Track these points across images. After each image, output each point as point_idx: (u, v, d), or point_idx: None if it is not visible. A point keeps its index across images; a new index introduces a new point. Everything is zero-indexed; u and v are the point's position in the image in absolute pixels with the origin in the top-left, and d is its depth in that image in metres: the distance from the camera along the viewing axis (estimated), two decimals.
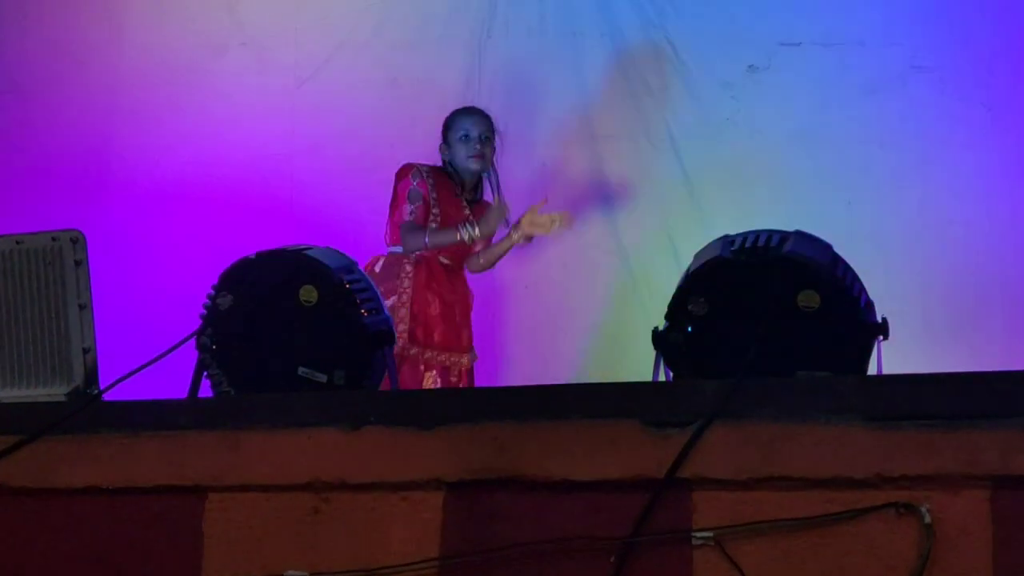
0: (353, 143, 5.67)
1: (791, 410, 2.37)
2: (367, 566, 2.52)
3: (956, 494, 2.27)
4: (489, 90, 5.57)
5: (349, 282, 3.01)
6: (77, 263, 2.93)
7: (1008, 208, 5.03)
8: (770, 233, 2.76)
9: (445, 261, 4.90)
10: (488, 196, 4.99)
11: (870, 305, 2.74)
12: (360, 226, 5.30)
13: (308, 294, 2.99)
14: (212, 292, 3.06)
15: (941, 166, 5.12)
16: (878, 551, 2.28)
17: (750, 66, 5.34)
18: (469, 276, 5.04)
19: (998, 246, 5.02)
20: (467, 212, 4.89)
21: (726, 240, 2.81)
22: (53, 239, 2.94)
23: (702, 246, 2.91)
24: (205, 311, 3.05)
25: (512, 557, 2.45)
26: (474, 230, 4.80)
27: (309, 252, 3.07)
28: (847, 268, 2.75)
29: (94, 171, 5.81)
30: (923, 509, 2.27)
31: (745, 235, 2.79)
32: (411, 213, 4.80)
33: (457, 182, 4.94)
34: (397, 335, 4.51)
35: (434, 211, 4.83)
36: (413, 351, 4.76)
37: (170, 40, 5.85)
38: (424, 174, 4.88)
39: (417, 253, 4.82)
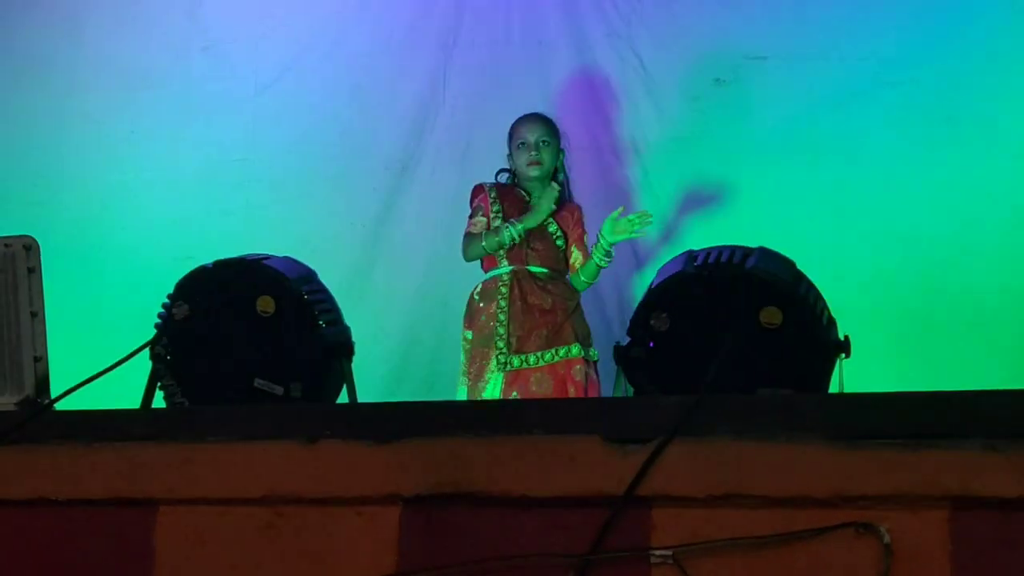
0: (314, 149, 5.66)
1: (752, 428, 2.38)
2: None
3: (915, 514, 2.28)
4: (454, 98, 5.58)
5: (307, 292, 3.01)
6: (30, 270, 2.91)
7: (973, 222, 5.07)
8: (733, 249, 2.78)
9: (536, 271, 4.84)
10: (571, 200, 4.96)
11: (832, 323, 2.75)
12: (319, 235, 5.28)
13: (265, 304, 2.98)
14: (167, 301, 3.05)
15: (906, 180, 5.15)
16: (837, 570, 2.29)
17: (716, 79, 5.37)
18: None
19: (963, 260, 5.05)
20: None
21: (689, 255, 2.83)
22: (6, 245, 2.92)
23: (666, 261, 2.92)
24: (160, 321, 3.04)
25: (470, 573, 2.45)
26: (518, 225, 4.75)
27: (267, 262, 3.07)
28: (810, 286, 2.77)
29: (48, 176, 5.77)
30: (882, 529, 2.28)
31: (708, 250, 2.80)
32: (473, 226, 4.81)
33: (523, 190, 4.93)
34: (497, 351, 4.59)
35: (495, 223, 4.81)
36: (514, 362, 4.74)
37: (130, 45, 5.83)
38: (487, 188, 4.89)
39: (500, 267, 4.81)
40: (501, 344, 4.70)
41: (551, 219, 4.82)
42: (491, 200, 4.86)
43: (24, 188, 5.75)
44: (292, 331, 2.97)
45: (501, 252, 4.78)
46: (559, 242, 4.85)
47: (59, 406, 2.90)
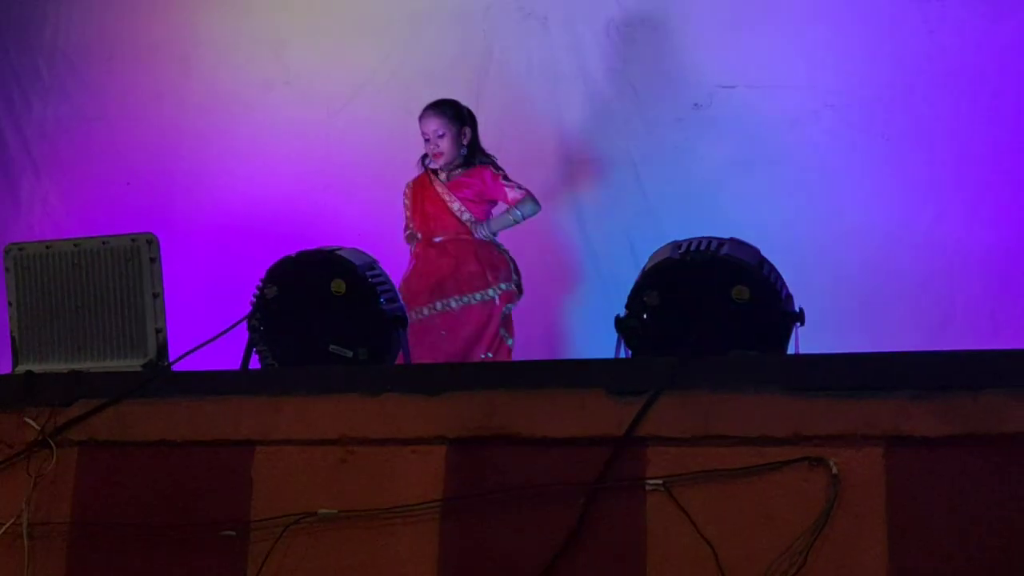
0: (375, 161, 5.65)
1: (726, 382, 2.37)
2: (384, 505, 2.52)
3: (857, 451, 2.27)
4: (485, 121, 5.56)
5: (371, 276, 3.01)
6: (151, 260, 2.92)
7: (901, 218, 5.03)
8: (710, 239, 2.76)
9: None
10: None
11: (790, 298, 2.74)
12: (378, 230, 5.28)
13: (338, 286, 2.98)
14: (260, 284, 3.05)
15: (848, 185, 5.12)
16: (795, 495, 2.28)
17: (695, 104, 5.33)
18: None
19: (893, 248, 5.02)
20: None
21: (675, 244, 2.81)
22: (132, 240, 2.93)
23: (656, 249, 2.90)
24: (254, 299, 3.05)
25: (500, 499, 2.45)
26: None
27: (339, 252, 3.07)
28: (772, 268, 2.75)
29: (166, 185, 5.79)
30: (831, 462, 2.27)
31: (690, 240, 2.78)
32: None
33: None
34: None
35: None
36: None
37: (227, 77, 5.83)
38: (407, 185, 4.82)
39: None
40: None
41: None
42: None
43: (145, 194, 5.76)
44: (359, 307, 2.97)
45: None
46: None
47: (176, 368, 2.91)
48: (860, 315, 4.93)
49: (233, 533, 2.60)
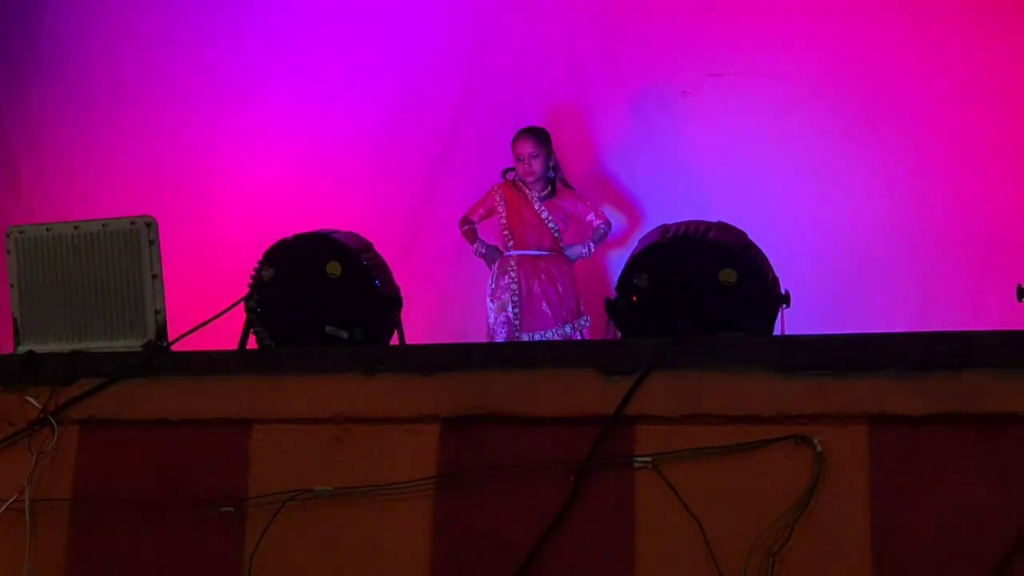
0: (371, 148, 5.64)
1: (713, 362, 2.38)
2: (378, 482, 2.52)
3: (841, 429, 2.27)
4: (480, 108, 5.55)
5: (366, 259, 3.00)
6: (151, 242, 2.91)
7: (885, 203, 5.03)
8: (698, 223, 2.76)
9: None
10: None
11: (776, 281, 2.74)
12: (371, 218, 5.26)
13: (334, 268, 2.97)
14: (257, 266, 3.04)
15: (833, 171, 5.12)
16: (780, 473, 2.29)
17: (684, 91, 5.33)
18: None
19: (877, 233, 5.02)
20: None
21: (664, 228, 2.81)
22: (132, 223, 2.92)
23: (645, 233, 2.90)
24: (252, 281, 3.04)
25: (493, 476, 2.45)
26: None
27: (335, 235, 3.06)
28: (758, 251, 2.75)
29: (168, 170, 5.78)
30: (815, 440, 2.28)
31: (679, 224, 2.78)
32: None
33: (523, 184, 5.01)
34: None
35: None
36: None
37: (225, 67, 5.81)
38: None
39: None
40: None
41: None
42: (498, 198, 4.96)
43: (150, 179, 5.75)
44: (354, 289, 2.96)
45: None
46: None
47: (175, 348, 2.90)
48: (845, 298, 4.94)
49: (231, 510, 2.60)
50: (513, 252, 4.96)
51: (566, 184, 5.05)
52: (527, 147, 4.92)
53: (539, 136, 4.97)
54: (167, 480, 2.69)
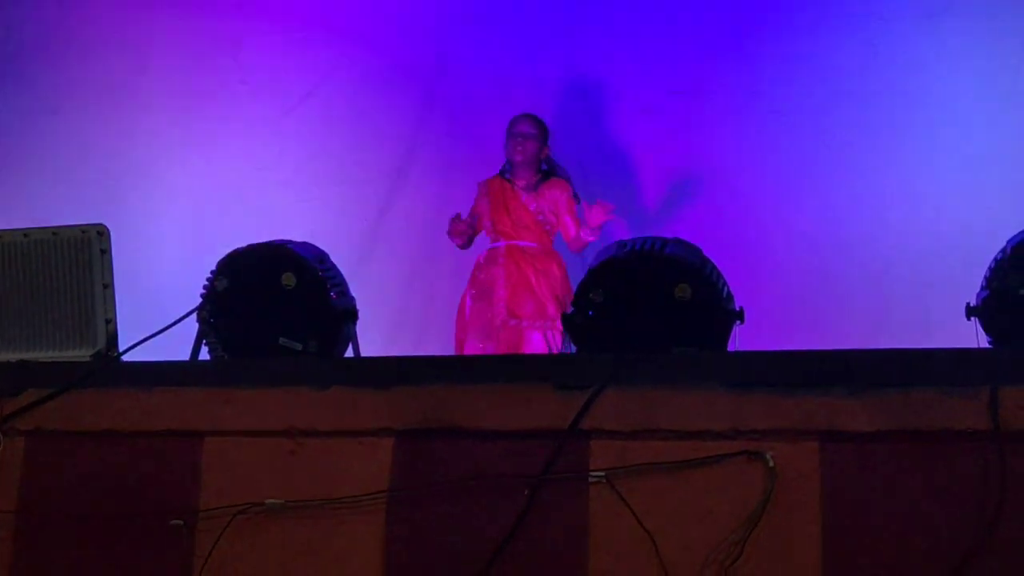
0: (327, 159, 5.62)
1: (667, 377, 2.39)
2: (330, 496, 2.51)
3: (793, 445, 2.29)
4: (440, 119, 5.55)
5: (321, 270, 2.99)
6: (102, 251, 2.88)
7: (840, 222, 5.09)
8: (655, 239, 2.78)
9: None
10: None
11: (731, 296, 2.76)
12: (330, 228, 5.24)
13: (288, 279, 2.96)
14: (210, 276, 3.02)
15: (789, 189, 5.17)
16: (733, 488, 2.30)
17: (644, 108, 5.36)
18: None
19: (831, 251, 5.08)
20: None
21: (620, 243, 2.82)
22: (83, 231, 2.89)
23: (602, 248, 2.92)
24: (205, 291, 3.02)
25: (447, 490, 2.45)
26: None
27: (289, 245, 3.04)
28: (713, 267, 2.77)
29: (119, 178, 5.72)
30: (768, 456, 2.29)
31: (635, 240, 2.80)
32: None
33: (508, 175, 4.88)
34: None
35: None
36: None
37: (183, 74, 5.77)
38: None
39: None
40: None
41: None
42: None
43: (97, 186, 5.69)
44: (309, 300, 2.95)
45: None
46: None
47: (125, 358, 2.88)
48: (798, 315, 4.99)
49: (181, 523, 2.57)
50: (501, 243, 4.76)
51: (565, 176, 4.84)
52: (525, 126, 4.77)
53: (540, 123, 4.84)
54: (116, 493, 2.66)
